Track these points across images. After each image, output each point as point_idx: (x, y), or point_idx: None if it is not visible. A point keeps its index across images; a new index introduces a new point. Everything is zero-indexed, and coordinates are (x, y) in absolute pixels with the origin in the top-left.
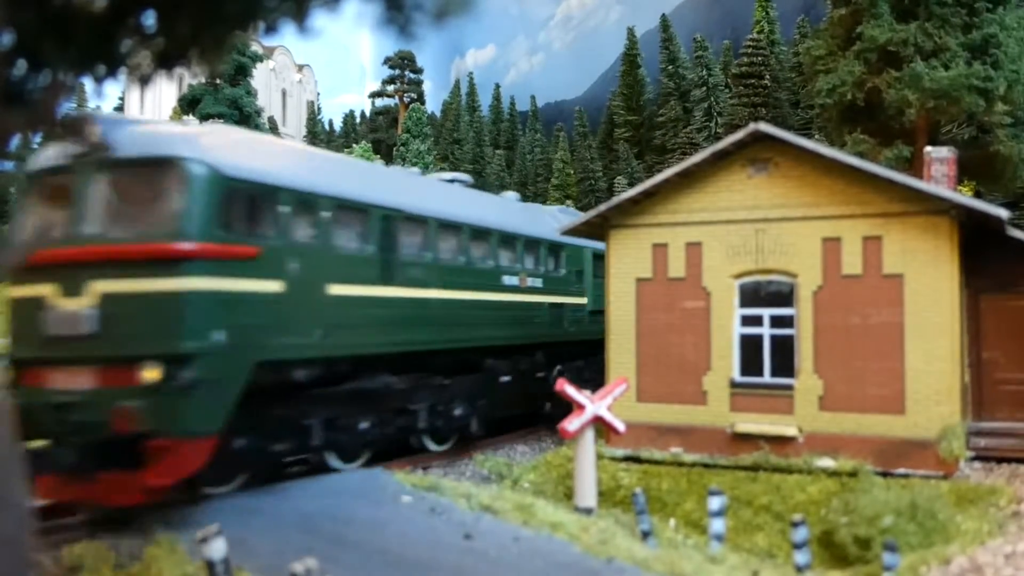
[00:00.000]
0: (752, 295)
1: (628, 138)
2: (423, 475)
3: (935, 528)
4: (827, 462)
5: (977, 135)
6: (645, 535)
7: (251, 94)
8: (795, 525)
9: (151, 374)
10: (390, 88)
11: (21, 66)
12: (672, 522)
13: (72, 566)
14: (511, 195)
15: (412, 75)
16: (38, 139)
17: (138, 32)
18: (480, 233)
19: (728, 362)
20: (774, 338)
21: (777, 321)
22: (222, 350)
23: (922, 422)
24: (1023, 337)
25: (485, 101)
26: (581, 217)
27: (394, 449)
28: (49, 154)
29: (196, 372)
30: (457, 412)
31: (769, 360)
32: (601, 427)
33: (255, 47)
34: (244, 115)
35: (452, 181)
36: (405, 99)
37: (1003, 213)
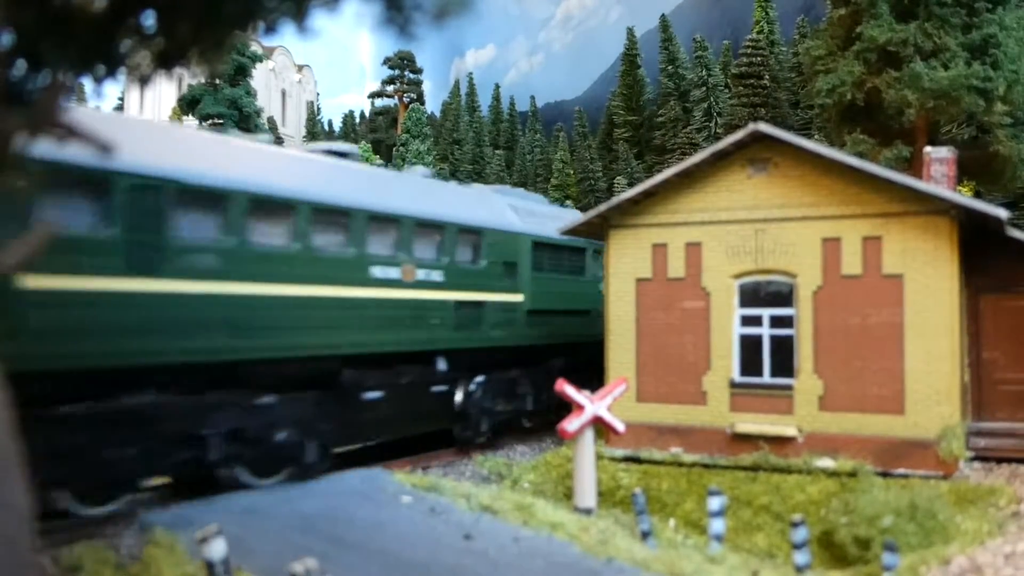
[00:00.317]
0: (752, 295)
1: (628, 138)
2: (423, 475)
3: (935, 528)
4: (827, 462)
5: (977, 135)
6: (645, 535)
7: (251, 94)
8: (795, 525)
9: None
10: (390, 88)
11: (21, 66)
12: (672, 522)
13: (72, 566)
14: (420, 170)
15: (412, 75)
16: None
17: (138, 32)
18: (330, 213)
19: (728, 362)
20: (774, 338)
21: (777, 321)
22: None
23: (922, 422)
24: (1023, 337)
25: (485, 101)
26: (581, 217)
27: (195, 483)
28: None
29: None
30: (280, 438)
31: (769, 360)
32: (601, 427)
33: (255, 47)
34: (244, 115)
35: (329, 152)
36: (405, 99)
37: (1003, 213)
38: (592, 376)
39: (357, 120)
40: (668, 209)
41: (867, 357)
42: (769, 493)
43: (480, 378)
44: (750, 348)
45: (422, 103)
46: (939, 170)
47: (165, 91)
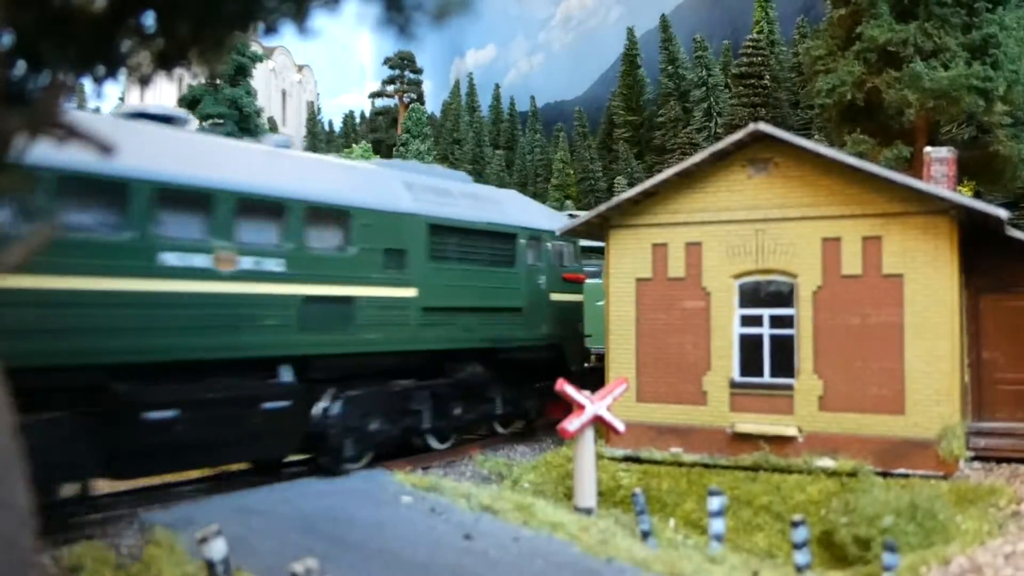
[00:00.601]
0: (752, 295)
1: (628, 138)
2: (423, 475)
3: (935, 528)
4: (827, 462)
5: (977, 135)
6: (645, 535)
7: (251, 94)
8: (795, 525)
9: None
10: (390, 88)
11: (21, 66)
12: (672, 522)
13: (72, 566)
14: (274, 138)
15: (412, 75)
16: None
17: (138, 32)
18: (94, 185)
19: (728, 362)
20: (774, 338)
21: (777, 321)
22: None
23: (922, 422)
24: (1023, 337)
25: (485, 101)
26: (581, 217)
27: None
28: None
29: None
30: None
31: (769, 360)
32: (601, 427)
33: (255, 47)
34: (244, 115)
35: (139, 115)
36: (405, 99)
37: (1003, 213)
38: (536, 388)
39: (357, 120)
40: (668, 209)
41: (867, 357)
42: (769, 493)
43: (350, 392)
44: (750, 348)
45: (422, 103)
46: (939, 170)
47: (165, 91)
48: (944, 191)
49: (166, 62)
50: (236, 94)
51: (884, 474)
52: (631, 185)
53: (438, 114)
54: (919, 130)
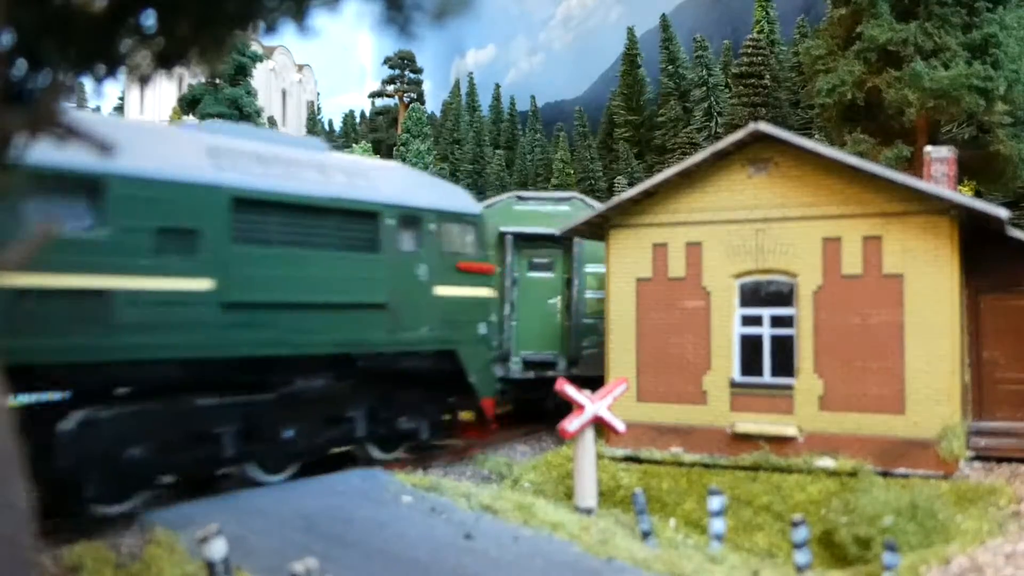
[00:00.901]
0: (752, 295)
1: (628, 138)
2: (423, 475)
3: (935, 528)
4: (827, 462)
5: (977, 135)
6: (645, 535)
7: (251, 94)
8: (795, 525)
9: None
10: (390, 88)
11: (21, 66)
12: (672, 522)
13: (72, 566)
14: None
15: (412, 75)
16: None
17: (138, 32)
18: None
19: (728, 362)
20: (774, 338)
21: (777, 321)
22: None
23: (922, 422)
24: (1023, 337)
25: (485, 101)
26: (581, 217)
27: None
28: None
29: None
30: None
31: (769, 360)
32: (601, 427)
33: (255, 47)
34: (244, 115)
35: None
36: (405, 99)
37: (1003, 213)
38: (437, 406)
39: (357, 120)
40: (668, 209)
41: (867, 357)
42: (769, 493)
43: (96, 411)
44: (750, 348)
45: (422, 103)
46: (939, 170)
47: (165, 91)
48: (944, 191)
49: (166, 61)
50: (236, 94)
51: (884, 474)
52: (631, 185)
53: (438, 114)
54: (919, 130)
